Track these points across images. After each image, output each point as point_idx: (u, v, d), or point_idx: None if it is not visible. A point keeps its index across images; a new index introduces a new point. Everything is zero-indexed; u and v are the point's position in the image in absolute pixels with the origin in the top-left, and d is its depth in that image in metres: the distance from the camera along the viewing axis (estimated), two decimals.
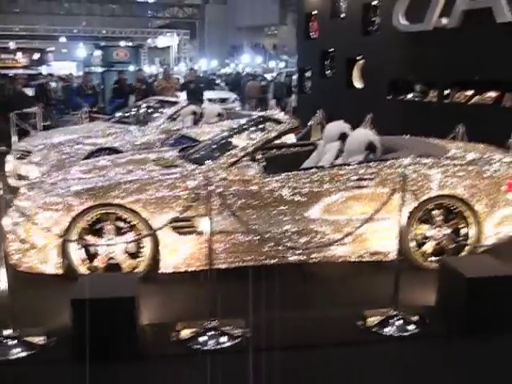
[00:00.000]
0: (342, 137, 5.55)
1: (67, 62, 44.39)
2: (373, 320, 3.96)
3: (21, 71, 25.73)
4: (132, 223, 4.62)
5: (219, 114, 9.36)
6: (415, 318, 3.99)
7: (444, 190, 4.96)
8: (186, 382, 3.33)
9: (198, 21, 54.59)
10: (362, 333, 3.88)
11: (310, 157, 5.84)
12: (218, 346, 3.65)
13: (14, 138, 10.19)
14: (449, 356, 3.64)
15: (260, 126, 5.81)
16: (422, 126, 8.32)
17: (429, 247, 5.06)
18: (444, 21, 9.16)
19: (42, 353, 3.58)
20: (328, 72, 13.22)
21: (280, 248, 4.77)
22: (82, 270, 4.61)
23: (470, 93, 9.40)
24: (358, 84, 12.12)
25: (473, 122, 8.16)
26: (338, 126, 5.75)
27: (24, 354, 3.55)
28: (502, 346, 3.76)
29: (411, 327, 3.91)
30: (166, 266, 4.71)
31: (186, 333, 3.77)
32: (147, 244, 4.65)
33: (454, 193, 4.97)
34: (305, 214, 4.83)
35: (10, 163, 8.11)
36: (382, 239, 4.90)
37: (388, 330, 3.87)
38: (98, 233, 4.63)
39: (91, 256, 4.65)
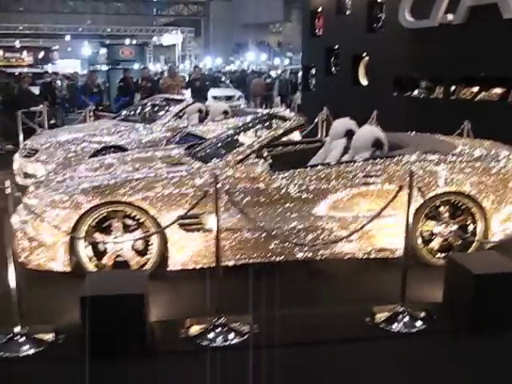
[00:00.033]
0: (349, 134, 5.55)
1: (72, 61, 44.54)
2: (380, 316, 3.96)
3: (26, 70, 25.73)
4: (140, 221, 4.64)
5: (225, 112, 9.34)
6: (423, 315, 3.99)
7: (451, 187, 4.95)
8: (195, 379, 3.34)
9: (203, 18, 54.64)
10: (369, 329, 3.88)
11: (316, 154, 5.84)
12: (226, 343, 3.66)
13: (21, 137, 10.20)
14: (456, 352, 3.65)
15: (266, 124, 5.82)
16: (427, 122, 8.32)
17: (436, 244, 5.06)
18: (450, 17, 9.10)
19: (51, 350, 3.59)
20: (333, 69, 13.20)
21: (287, 245, 4.78)
22: (90, 267, 4.63)
23: (475, 89, 9.33)
24: (363, 81, 12.10)
25: (479, 118, 8.13)
26: (344, 123, 5.75)
27: (33, 351, 3.56)
28: (510, 343, 3.75)
29: (419, 323, 3.92)
30: (175, 263, 4.73)
31: (194, 329, 3.78)
32: (155, 241, 4.67)
33: (460, 189, 4.97)
34: (311, 211, 4.83)
35: (17, 161, 8.15)
36: (388, 236, 4.90)
37: (395, 327, 3.87)
38: (106, 230, 4.65)
39: (99, 253, 4.67)
